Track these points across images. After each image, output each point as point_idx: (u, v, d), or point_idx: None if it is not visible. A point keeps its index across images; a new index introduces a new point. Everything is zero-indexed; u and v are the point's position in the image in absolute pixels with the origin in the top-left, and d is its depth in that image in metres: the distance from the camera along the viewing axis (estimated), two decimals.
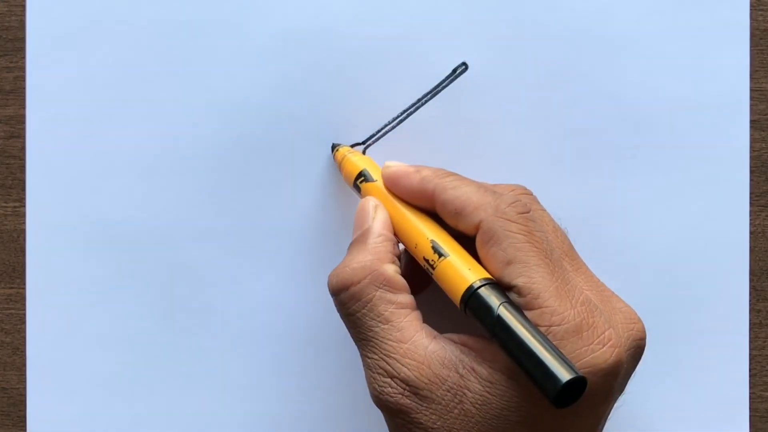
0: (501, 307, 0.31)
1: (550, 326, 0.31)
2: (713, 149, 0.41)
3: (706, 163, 0.41)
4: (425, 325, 0.33)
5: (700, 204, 0.41)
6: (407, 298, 0.34)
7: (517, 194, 0.35)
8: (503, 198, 0.33)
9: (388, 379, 0.32)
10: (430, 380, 0.32)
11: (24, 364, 0.41)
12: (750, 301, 0.41)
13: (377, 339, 0.33)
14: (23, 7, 0.41)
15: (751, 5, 0.41)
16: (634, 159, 0.41)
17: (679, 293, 0.41)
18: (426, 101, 0.40)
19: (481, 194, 0.34)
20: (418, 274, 0.36)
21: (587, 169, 0.41)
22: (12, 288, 0.42)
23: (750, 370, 0.41)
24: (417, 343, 0.32)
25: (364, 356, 0.34)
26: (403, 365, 0.32)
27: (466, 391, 0.31)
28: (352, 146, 0.40)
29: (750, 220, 0.41)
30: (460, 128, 0.41)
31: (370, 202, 0.36)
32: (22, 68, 0.41)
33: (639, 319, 0.33)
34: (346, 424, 0.41)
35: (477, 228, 0.33)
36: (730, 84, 0.41)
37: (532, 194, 0.36)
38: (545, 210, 0.35)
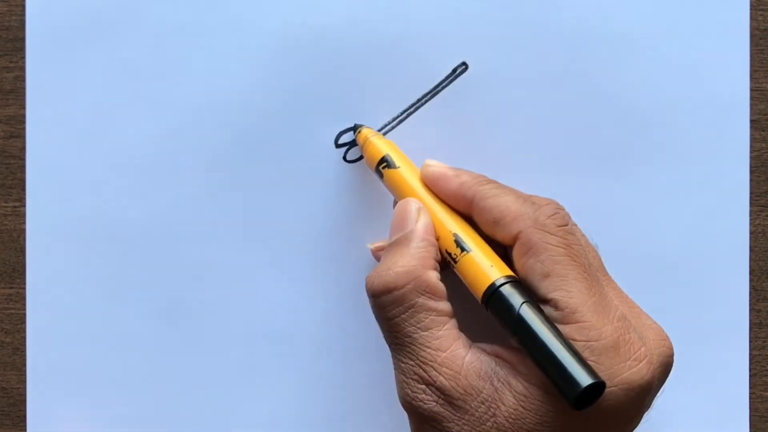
0: (523, 306, 0.31)
1: (588, 341, 0.31)
2: (713, 149, 0.41)
3: (706, 163, 0.41)
4: (462, 334, 0.33)
5: (700, 204, 0.41)
6: (447, 306, 0.33)
7: (555, 207, 0.34)
8: (543, 209, 0.33)
9: (423, 386, 0.32)
10: (465, 391, 0.32)
11: (24, 364, 0.41)
12: (750, 301, 0.41)
13: (415, 345, 0.33)
14: (23, 7, 0.41)
15: (751, 5, 0.41)
16: (633, 159, 0.41)
17: (679, 293, 0.41)
18: (426, 101, 0.40)
19: (520, 204, 0.34)
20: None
21: (587, 169, 0.41)
22: (12, 288, 0.42)
23: (750, 370, 0.41)
24: (455, 353, 0.32)
25: (398, 360, 0.33)
26: (440, 374, 0.32)
27: (500, 404, 0.31)
28: (351, 146, 0.40)
29: (750, 220, 0.41)
30: (460, 128, 0.41)
31: (413, 204, 0.35)
32: (22, 68, 0.41)
33: (667, 337, 0.33)
34: (346, 424, 0.41)
35: (515, 238, 0.33)
36: (730, 84, 0.41)
37: (564, 209, 0.35)
38: (577, 225, 0.35)
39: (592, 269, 0.33)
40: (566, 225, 0.33)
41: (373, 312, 0.34)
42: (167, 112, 0.41)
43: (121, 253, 0.41)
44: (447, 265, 0.35)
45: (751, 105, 0.41)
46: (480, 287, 0.33)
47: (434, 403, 0.32)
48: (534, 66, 0.41)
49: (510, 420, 0.31)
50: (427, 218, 0.35)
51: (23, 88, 0.41)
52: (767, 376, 0.41)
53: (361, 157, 0.40)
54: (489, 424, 0.31)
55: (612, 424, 0.32)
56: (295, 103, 0.41)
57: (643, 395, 0.32)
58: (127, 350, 0.41)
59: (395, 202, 0.38)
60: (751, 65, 0.41)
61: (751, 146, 0.41)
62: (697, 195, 0.41)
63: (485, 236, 0.34)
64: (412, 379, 0.33)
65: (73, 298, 0.41)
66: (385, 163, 0.37)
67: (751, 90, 0.41)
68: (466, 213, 0.35)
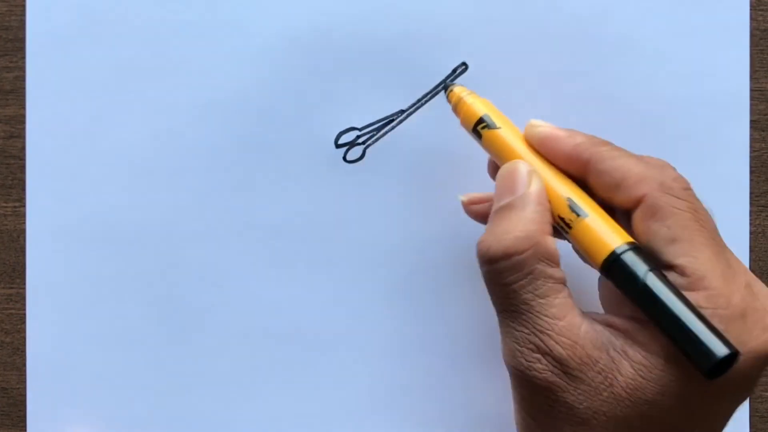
0: (649, 274, 0.30)
1: (716, 309, 0.30)
2: (713, 149, 0.41)
3: (706, 163, 0.41)
4: (575, 303, 0.32)
5: None
6: (562, 273, 0.32)
7: (675, 170, 0.33)
8: (666, 172, 0.32)
9: (539, 355, 0.31)
10: (582, 361, 0.31)
11: (24, 364, 0.41)
12: None
13: (531, 313, 0.32)
14: (23, 7, 0.41)
15: (751, 5, 0.41)
16: None
17: None
18: (426, 101, 0.40)
19: (642, 166, 0.32)
20: None
21: None
22: (12, 288, 0.42)
23: None
24: (572, 322, 0.31)
25: (510, 328, 0.32)
26: (557, 343, 0.31)
27: (617, 374, 0.31)
28: (351, 146, 0.40)
29: (750, 220, 0.41)
30: (460, 128, 0.41)
31: (522, 166, 0.34)
32: (22, 68, 0.41)
33: None
34: (346, 424, 0.41)
35: (638, 202, 0.32)
36: (730, 84, 0.41)
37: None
38: None
39: (717, 235, 0.32)
40: (690, 188, 0.32)
41: (487, 278, 0.33)
42: (167, 112, 0.41)
43: (121, 253, 0.41)
44: (556, 231, 0.33)
45: (751, 105, 0.41)
46: (600, 254, 0.31)
47: (549, 373, 0.31)
48: (534, 66, 0.41)
49: (628, 390, 0.31)
50: (540, 181, 0.33)
51: (23, 88, 0.41)
52: (767, 376, 0.41)
53: (361, 157, 0.40)
54: (606, 394, 0.31)
55: (731, 393, 0.31)
56: (295, 103, 0.41)
57: (767, 364, 0.31)
58: (127, 350, 0.41)
59: (490, 165, 0.37)
60: (751, 65, 0.41)
61: (751, 146, 0.41)
62: (697, 195, 0.41)
63: (599, 201, 0.33)
64: (526, 347, 0.32)
65: (73, 298, 0.41)
66: (483, 124, 0.35)
67: (751, 90, 0.41)
68: (579, 176, 0.34)
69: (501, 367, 0.40)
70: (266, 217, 0.41)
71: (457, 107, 0.37)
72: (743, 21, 0.41)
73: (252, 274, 0.41)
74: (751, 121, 0.41)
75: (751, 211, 0.41)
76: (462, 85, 0.37)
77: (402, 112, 0.40)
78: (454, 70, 0.40)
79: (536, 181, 0.33)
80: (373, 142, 0.40)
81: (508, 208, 0.33)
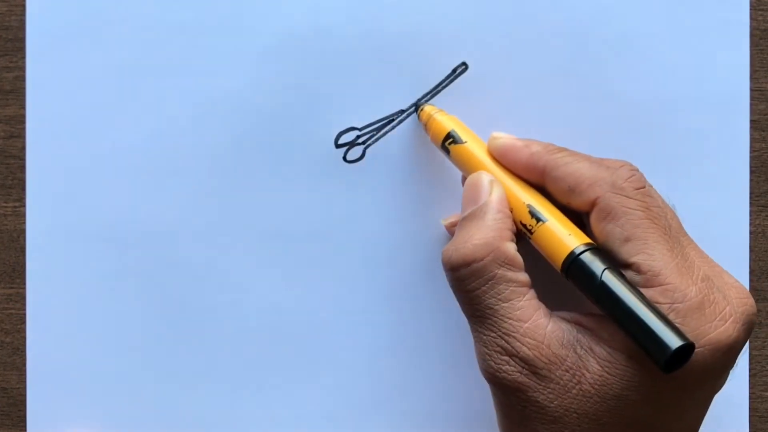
0: (605, 272, 0.31)
1: (673, 303, 0.31)
2: (713, 149, 0.41)
3: (706, 163, 0.41)
4: (541, 303, 0.33)
5: (700, 204, 0.41)
6: (525, 276, 0.33)
7: (629, 169, 0.34)
8: (619, 173, 0.33)
9: (506, 357, 0.32)
10: (549, 360, 0.32)
11: (24, 364, 0.41)
12: None
13: (496, 317, 0.32)
14: (23, 7, 0.41)
15: (751, 5, 0.41)
16: (633, 159, 0.41)
17: None
18: (426, 101, 0.40)
19: (595, 170, 0.33)
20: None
21: None
22: (12, 288, 0.42)
23: (750, 370, 0.41)
24: (537, 323, 0.32)
25: (479, 333, 0.33)
26: (522, 344, 0.32)
27: (584, 371, 0.31)
28: (351, 146, 0.40)
29: (750, 220, 0.41)
30: None
31: (485, 176, 0.35)
32: (22, 68, 0.41)
33: (749, 294, 0.33)
34: (346, 424, 0.41)
35: (592, 205, 0.33)
36: (730, 84, 0.41)
37: (639, 170, 0.35)
38: (652, 186, 0.35)
39: (672, 231, 0.33)
40: (643, 187, 0.33)
41: (451, 286, 0.34)
42: (167, 112, 0.41)
43: (121, 253, 0.41)
44: (521, 237, 0.34)
45: (751, 105, 0.41)
46: (559, 256, 0.33)
47: (518, 374, 0.32)
48: (534, 66, 0.41)
49: (596, 386, 0.31)
50: (500, 190, 0.35)
51: (23, 88, 0.41)
52: (767, 376, 0.41)
53: (361, 157, 0.40)
54: (574, 391, 0.31)
55: (699, 385, 0.32)
56: (295, 103, 0.41)
57: (730, 354, 0.31)
58: (126, 350, 0.41)
59: (463, 179, 0.38)
60: (751, 65, 0.41)
61: (751, 146, 0.41)
62: (697, 195, 0.41)
63: (558, 205, 0.34)
64: (494, 351, 0.32)
65: (73, 298, 0.41)
66: (451, 139, 0.37)
67: (751, 90, 0.41)
68: (538, 183, 0.35)
69: None
70: (266, 216, 0.41)
71: (427, 125, 0.38)
72: (743, 21, 0.41)
73: (252, 274, 0.41)
74: (751, 121, 0.41)
75: (751, 211, 0.41)
76: (432, 104, 0.39)
77: (402, 112, 0.40)
78: (454, 70, 0.40)
79: (497, 189, 0.35)
80: (373, 142, 0.40)
81: (470, 217, 0.34)
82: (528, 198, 0.34)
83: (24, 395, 0.41)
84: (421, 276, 0.41)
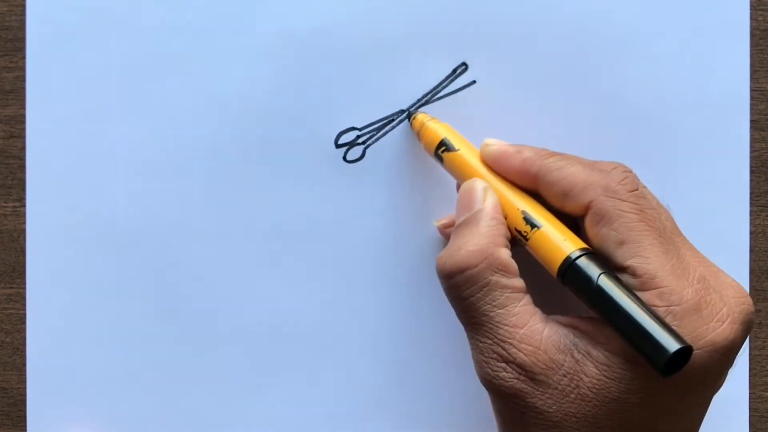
0: (601, 277, 0.31)
1: (669, 306, 0.31)
2: (713, 149, 0.41)
3: (706, 163, 0.41)
4: (537, 309, 0.33)
5: (700, 204, 0.41)
6: (520, 282, 0.33)
7: (622, 171, 0.34)
8: (612, 176, 0.33)
9: (503, 364, 0.32)
10: (546, 365, 0.32)
11: (24, 364, 0.41)
12: None
13: (491, 324, 0.32)
14: (23, 7, 0.41)
15: (751, 5, 0.41)
16: (633, 159, 0.41)
17: None
18: (426, 101, 0.40)
19: (588, 173, 0.33)
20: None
21: None
22: (12, 288, 0.42)
23: (750, 370, 0.41)
24: (533, 329, 0.32)
25: (475, 340, 0.33)
26: (519, 350, 0.32)
27: (582, 375, 0.31)
28: (351, 146, 0.40)
29: (750, 220, 0.41)
30: (460, 128, 0.41)
31: (479, 184, 0.35)
32: (22, 68, 0.41)
33: (747, 294, 0.33)
34: (346, 424, 0.41)
35: (586, 209, 0.33)
36: (730, 84, 0.41)
37: (632, 172, 0.35)
38: (647, 187, 0.35)
39: (666, 232, 0.33)
40: (637, 189, 0.33)
41: (446, 293, 0.34)
42: (167, 112, 0.41)
43: (121, 253, 0.41)
44: (516, 243, 0.34)
45: (751, 105, 0.41)
46: (555, 262, 0.32)
47: (516, 380, 0.32)
48: (534, 66, 0.41)
49: (594, 390, 0.31)
50: (494, 197, 0.35)
51: (23, 88, 0.41)
52: (767, 376, 0.41)
53: (361, 157, 0.40)
54: (572, 396, 0.31)
55: (697, 387, 0.32)
56: (295, 102, 0.41)
57: (728, 355, 0.31)
58: (126, 350, 0.41)
59: (458, 187, 0.38)
60: (751, 65, 0.41)
61: (751, 146, 0.41)
62: (697, 195, 0.41)
63: (553, 210, 0.34)
64: (491, 357, 0.32)
65: (73, 298, 0.41)
66: (444, 147, 0.37)
67: (751, 90, 0.41)
68: (532, 188, 0.35)
69: None
70: (266, 216, 0.41)
71: (420, 133, 0.38)
72: (743, 21, 0.41)
73: (252, 274, 0.41)
74: (751, 121, 0.41)
75: (751, 211, 0.41)
76: (424, 113, 0.39)
77: (402, 112, 0.40)
78: (454, 70, 0.40)
79: (491, 196, 0.35)
80: (373, 142, 0.40)
81: (464, 224, 0.34)
82: (522, 204, 0.34)
83: (24, 395, 0.41)
84: (421, 276, 0.41)
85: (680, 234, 0.34)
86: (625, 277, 0.32)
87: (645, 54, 0.41)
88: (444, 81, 0.40)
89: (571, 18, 0.41)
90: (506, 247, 0.34)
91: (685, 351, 0.30)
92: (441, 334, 0.41)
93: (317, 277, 0.41)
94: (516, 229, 0.34)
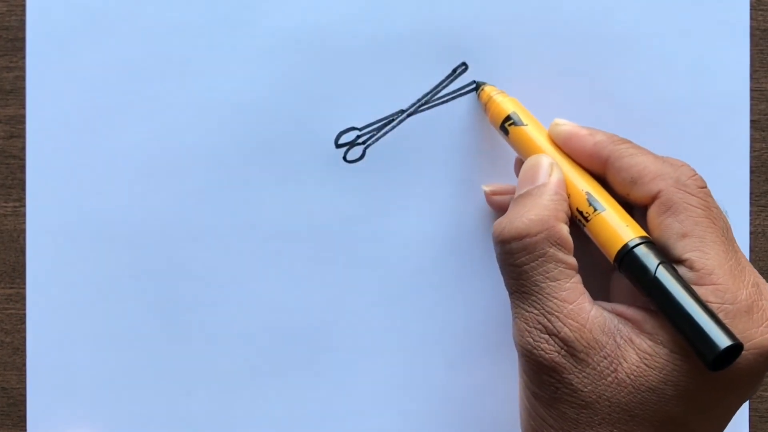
0: (659, 267, 0.31)
1: (722, 304, 0.31)
2: (713, 149, 0.41)
3: (706, 163, 0.41)
4: (586, 290, 0.33)
5: None
6: (574, 260, 0.33)
7: (691, 168, 0.34)
8: (683, 170, 0.34)
9: (546, 336, 0.32)
10: (589, 344, 0.32)
11: (24, 364, 0.41)
12: None
13: (541, 294, 0.33)
14: (23, 7, 0.41)
15: (751, 5, 0.41)
16: None
17: None
18: (426, 101, 0.40)
19: (660, 164, 0.34)
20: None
21: None
22: (12, 288, 0.42)
23: None
24: (581, 306, 0.32)
25: (520, 309, 0.33)
26: (564, 325, 0.32)
27: (622, 360, 0.32)
28: (351, 146, 0.40)
29: (750, 220, 0.41)
30: (460, 129, 0.41)
31: (545, 159, 0.35)
32: (22, 68, 0.41)
33: None
34: (346, 425, 0.41)
35: (654, 197, 0.33)
36: (730, 84, 0.41)
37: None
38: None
39: (728, 233, 0.33)
40: (705, 187, 0.33)
41: (499, 258, 0.34)
42: (167, 112, 0.41)
43: (121, 253, 0.41)
44: (572, 225, 0.34)
45: (751, 105, 0.41)
46: (614, 247, 0.33)
47: (556, 353, 0.32)
48: (534, 66, 0.41)
49: (632, 377, 0.31)
50: (560, 173, 0.35)
51: (23, 88, 0.41)
52: (767, 376, 0.41)
53: (361, 157, 0.40)
54: (609, 378, 0.32)
55: (736, 387, 0.32)
56: (295, 102, 0.41)
57: None
58: (126, 350, 0.41)
59: (516, 164, 0.38)
60: (751, 65, 0.41)
61: (751, 146, 0.41)
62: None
63: (616, 197, 0.34)
64: (535, 327, 0.32)
65: (73, 298, 0.41)
66: (510, 121, 0.37)
67: (751, 90, 0.41)
68: (599, 173, 0.35)
69: (503, 367, 0.40)
70: (266, 216, 0.41)
71: (487, 105, 0.39)
72: (743, 21, 0.41)
73: (252, 274, 0.41)
74: (751, 121, 0.41)
75: (751, 211, 0.41)
76: (492, 85, 0.39)
77: (402, 112, 0.40)
78: (454, 70, 0.40)
79: (557, 173, 0.35)
80: (373, 142, 0.40)
81: (527, 195, 0.34)
82: (587, 186, 0.34)
83: (24, 395, 0.41)
84: (422, 275, 0.41)
85: (735, 241, 0.34)
86: (681, 270, 0.32)
87: (645, 54, 0.41)
88: (444, 81, 0.40)
89: (571, 18, 0.41)
90: (566, 223, 0.34)
91: (736, 348, 0.30)
92: (441, 334, 0.41)
93: (317, 277, 0.41)
94: (578, 209, 0.34)
